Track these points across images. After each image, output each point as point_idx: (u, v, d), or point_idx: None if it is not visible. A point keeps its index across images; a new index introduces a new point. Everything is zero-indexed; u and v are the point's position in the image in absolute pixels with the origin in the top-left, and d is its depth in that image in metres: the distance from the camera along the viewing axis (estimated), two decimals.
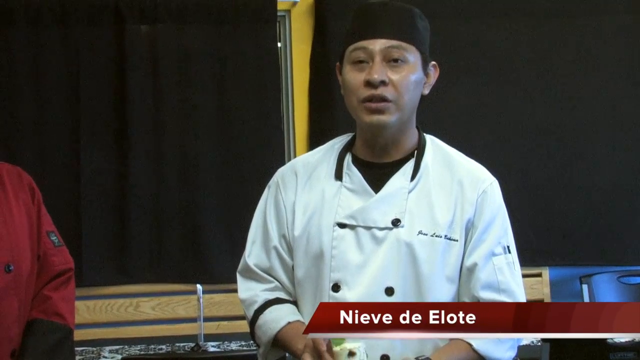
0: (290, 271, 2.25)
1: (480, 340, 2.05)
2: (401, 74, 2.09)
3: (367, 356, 1.93)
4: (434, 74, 2.20)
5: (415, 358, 1.95)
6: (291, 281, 2.25)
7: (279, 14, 4.94)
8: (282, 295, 2.25)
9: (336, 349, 1.92)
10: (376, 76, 2.07)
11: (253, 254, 2.29)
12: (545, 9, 5.00)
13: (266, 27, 4.91)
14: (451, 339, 2.08)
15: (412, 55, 2.11)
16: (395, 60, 2.10)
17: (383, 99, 2.09)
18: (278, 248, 2.25)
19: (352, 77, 2.13)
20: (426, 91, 2.18)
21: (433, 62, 2.20)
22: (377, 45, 2.09)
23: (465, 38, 4.93)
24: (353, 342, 1.91)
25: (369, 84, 2.09)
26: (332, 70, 4.94)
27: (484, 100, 4.93)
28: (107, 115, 4.79)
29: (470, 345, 2.05)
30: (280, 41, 5.01)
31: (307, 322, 2.16)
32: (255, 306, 2.25)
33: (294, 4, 4.96)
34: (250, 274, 2.29)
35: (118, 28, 4.79)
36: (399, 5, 2.15)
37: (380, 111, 2.11)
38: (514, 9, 5.00)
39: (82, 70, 4.77)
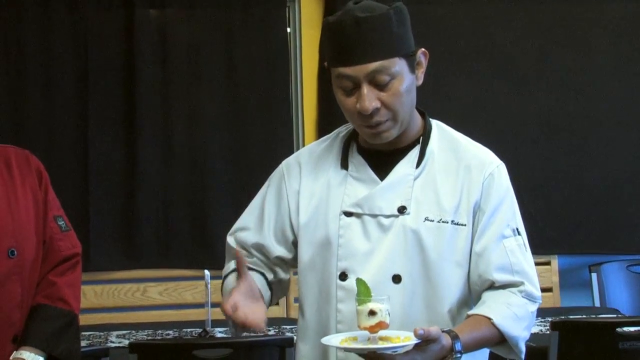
0: (271, 262, 2.26)
1: (500, 316, 2.04)
2: (391, 91, 2.05)
3: (389, 316, 1.92)
4: (424, 61, 2.14)
5: (441, 329, 1.93)
6: (275, 266, 2.26)
7: None
8: (257, 267, 2.26)
9: (359, 307, 1.92)
10: (367, 106, 2.03)
11: (235, 237, 2.31)
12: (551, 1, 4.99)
13: (276, 12, 4.90)
14: (469, 314, 2.08)
15: (397, 66, 2.05)
16: (383, 81, 2.05)
17: (380, 123, 2.07)
18: (264, 244, 2.25)
19: (344, 101, 2.09)
20: (420, 82, 2.14)
21: (421, 50, 2.13)
22: (360, 72, 2.03)
23: (467, 28, 4.92)
24: (376, 303, 1.91)
25: (361, 113, 2.06)
26: None
27: (490, 91, 4.94)
28: (116, 100, 4.80)
29: (490, 319, 2.04)
30: (289, 26, 4.99)
31: (310, 311, 2.18)
32: (226, 272, 2.27)
33: None
34: (231, 251, 2.30)
35: (127, 12, 4.78)
36: (372, 16, 2.03)
37: (379, 132, 2.09)
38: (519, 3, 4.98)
39: (91, 54, 4.77)
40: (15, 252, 2.32)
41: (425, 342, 1.87)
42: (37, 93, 4.74)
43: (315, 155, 2.27)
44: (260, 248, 2.26)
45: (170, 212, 4.81)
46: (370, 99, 2.03)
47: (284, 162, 2.32)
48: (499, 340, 2.07)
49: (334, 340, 1.96)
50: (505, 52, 4.95)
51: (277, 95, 4.90)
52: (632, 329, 3.33)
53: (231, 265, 2.27)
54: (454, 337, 1.95)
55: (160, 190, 4.80)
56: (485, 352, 2.20)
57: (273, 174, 2.32)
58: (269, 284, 2.25)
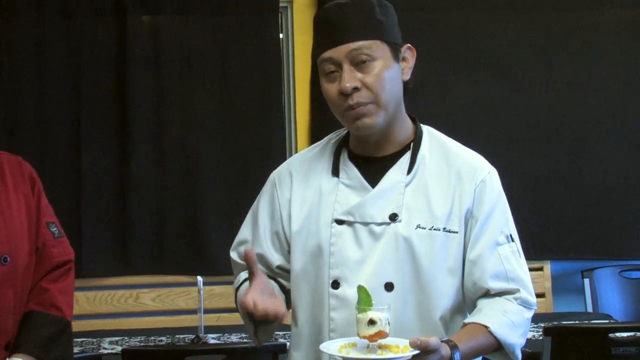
0: (273, 271, 2.25)
1: (496, 324, 2.04)
2: (372, 72, 2.06)
3: (389, 325, 1.91)
4: (411, 56, 2.15)
5: (440, 339, 1.93)
6: (276, 276, 2.26)
7: (281, 4, 4.94)
8: None
9: (359, 315, 1.91)
10: (347, 85, 2.05)
11: (237, 251, 2.32)
12: (546, 2, 4.99)
13: (268, 18, 4.90)
14: (465, 322, 2.08)
15: (379, 50, 2.07)
16: (363, 62, 2.06)
17: (360, 104, 2.07)
18: (264, 254, 2.25)
19: (327, 88, 2.11)
20: (406, 77, 2.14)
21: (407, 45, 2.15)
22: (341, 52, 2.05)
23: (466, 32, 4.92)
24: (377, 312, 1.91)
25: (342, 94, 2.07)
26: None
27: (486, 95, 4.93)
28: (109, 106, 4.79)
29: (487, 327, 2.04)
30: (282, 32, 5.00)
31: (302, 319, 2.18)
32: (236, 285, 2.28)
33: None
34: (237, 268, 2.32)
35: (120, 19, 4.78)
36: (354, 2, 2.09)
37: (361, 116, 2.09)
38: (516, 2, 4.98)
39: (84, 61, 4.76)
40: (8, 259, 2.32)
41: (424, 352, 1.86)
42: (30, 99, 4.73)
43: (306, 163, 2.27)
44: (261, 259, 2.25)
45: (163, 218, 4.80)
46: (350, 78, 2.05)
47: (275, 172, 2.32)
48: (495, 348, 2.07)
49: (332, 347, 1.96)
50: (502, 56, 4.95)
51: (270, 100, 4.90)
52: (624, 334, 3.34)
53: (241, 276, 2.28)
54: (453, 346, 1.94)
55: (153, 196, 4.80)
56: None
57: (265, 184, 2.32)
58: (281, 288, 2.25)
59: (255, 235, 2.27)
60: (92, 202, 4.73)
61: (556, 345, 3.29)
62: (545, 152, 4.95)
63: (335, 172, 2.20)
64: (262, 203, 2.29)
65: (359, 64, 2.06)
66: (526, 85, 4.96)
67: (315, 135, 4.78)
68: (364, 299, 1.94)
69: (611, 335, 3.29)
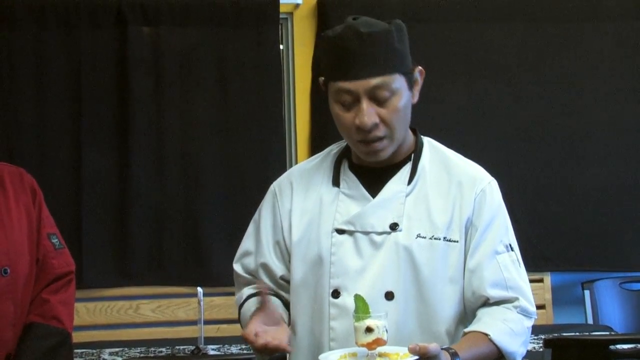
0: (277, 282, 2.26)
1: (497, 332, 2.05)
2: (390, 107, 2.06)
3: (386, 332, 1.92)
4: (420, 79, 2.16)
5: (441, 347, 1.93)
6: (279, 288, 2.27)
7: (281, 16, 4.94)
8: None
9: (356, 324, 1.92)
10: (368, 122, 2.05)
11: (243, 261, 2.32)
12: (543, 11, 4.99)
13: (268, 29, 4.90)
14: (466, 331, 2.08)
15: (397, 82, 2.06)
16: (383, 97, 2.06)
17: (376, 139, 2.08)
18: (267, 263, 2.25)
19: (341, 116, 2.10)
20: (415, 99, 2.15)
21: (419, 69, 2.15)
22: (361, 87, 2.04)
23: (462, 41, 4.92)
24: (374, 320, 1.91)
25: (360, 128, 2.06)
26: None
27: (484, 104, 4.93)
28: (109, 117, 4.79)
29: (487, 335, 2.04)
30: (282, 43, 5.01)
31: (302, 329, 2.17)
32: (240, 302, 2.28)
33: (297, 6, 4.96)
34: (240, 279, 2.33)
35: (120, 30, 4.78)
36: (374, 32, 2.04)
37: (375, 150, 2.10)
38: (512, 11, 4.99)
39: (84, 72, 4.76)
40: (8, 271, 2.32)
41: (423, 358, 1.86)
42: (30, 110, 4.73)
43: (306, 174, 2.27)
44: (265, 269, 2.26)
45: (163, 229, 4.80)
46: (370, 114, 2.04)
47: (275, 183, 2.33)
48: (496, 357, 2.07)
49: (331, 357, 1.96)
50: (500, 65, 4.95)
51: (270, 111, 4.90)
52: (625, 346, 3.33)
53: (244, 292, 2.29)
54: (453, 354, 1.95)
55: (153, 207, 4.79)
56: None
57: (266, 195, 2.33)
58: (284, 304, 2.26)
59: (258, 245, 2.28)
60: (92, 213, 4.73)
61: (556, 357, 3.29)
62: (545, 163, 4.94)
63: (336, 183, 2.21)
64: (264, 213, 2.29)
65: (378, 99, 2.05)
66: (525, 94, 4.95)
67: (315, 147, 4.79)
68: (361, 307, 1.95)
69: (612, 347, 3.28)
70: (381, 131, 2.07)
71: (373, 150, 2.10)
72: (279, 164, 4.78)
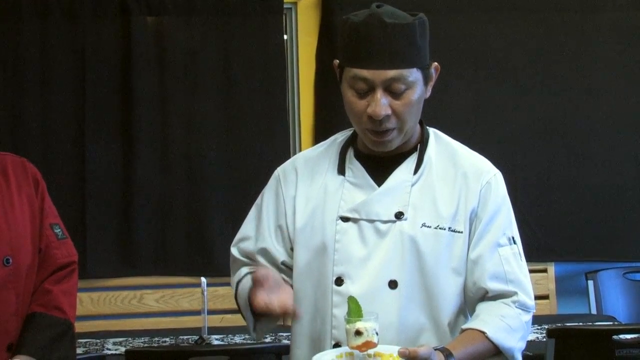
0: (277, 267, 2.24)
1: (493, 329, 2.05)
2: (404, 100, 2.06)
3: (376, 335, 1.92)
4: (435, 75, 2.16)
5: (434, 348, 1.93)
6: (279, 272, 2.23)
7: (285, 6, 4.94)
8: None
9: (347, 326, 1.92)
10: (381, 113, 2.04)
11: (240, 245, 2.30)
12: (545, 5, 4.98)
13: (272, 19, 4.90)
14: (463, 328, 2.08)
15: (413, 76, 2.06)
16: (399, 90, 2.05)
17: (387, 131, 2.08)
18: (268, 248, 2.24)
19: (353, 102, 2.09)
20: (428, 94, 2.15)
21: (434, 65, 2.15)
22: (378, 77, 2.03)
23: (465, 35, 4.92)
24: (364, 323, 1.91)
25: (371, 117, 2.06)
26: None
27: (487, 97, 4.93)
28: (113, 108, 4.79)
29: (484, 333, 2.04)
30: (286, 34, 5.00)
31: (305, 316, 2.17)
32: (237, 279, 2.27)
33: None
34: (237, 264, 2.32)
35: (124, 20, 4.79)
36: (400, 24, 2.04)
37: (383, 141, 2.10)
38: (516, 4, 4.98)
39: (88, 62, 4.77)
40: (11, 260, 2.32)
41: None
42: (35, 101, 4.73)
43: (311, 161, 2.27)
44: (265, 254, 2.25)
45: (166, 219, 4.81)
46: (383, 105, 2.04)
47: (279, 168, 2.32)
48: (494, 353, 2.07)
49: (326, 357, 1.96)
50: (503, 58, 4.95)
51: (274, 102, 4.90)
52: (628, 336, 3.34)
53: (242, 270, 2.27)
54: (448, 354, 1.95)
55: (156, 197, 4.80)
56: None
57: (269, 181, 2.32)
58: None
59: (259, 230, 2.27)
60: (96, 203, 4.74)
61: (560, 347, 3.29)
62: (548, 154, 4.94)
63: (341, 171, 2.21)
64: (267, 198, 2.29)
65: (393, 91, 2.05)
66: (527, 87, 4.96)
67: (319, 137, 4.78)
68: (354, 309, 1.95)
69: (615, 337, 3.29)
70: (392, 123, 2.07)
71: (381, 140, 2.10)
72: (282, 155, 4.76)
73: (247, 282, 2.19)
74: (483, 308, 2.11)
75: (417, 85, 2.07)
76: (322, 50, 4.90)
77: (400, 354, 1.86)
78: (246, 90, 4.86)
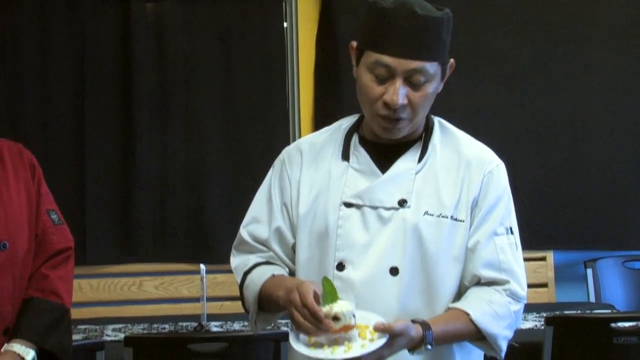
0: (289, 250, 2.24)
1: (478, 312, 2.05)
2: (422, 92, 2.06)
3: (353, 317, 1.91)
4: (449, 71, 2.16)
5: (412, 320, 1.94)
6: (289, 258, 2.25)
7: None
8: (275, 262, 2.25)
9: (325, 308, 1.91)
10: (398, 102, 2.04)
11: (251, 228, 2.28)
12: (545, 4, 4.98)
13: (273, 6, 4.90)
14: (449, 307, 2.09)
15: (434, 69, 2.06)
16: (418, 82, 2.05)
17: (399, 120, 2.08)
18: (281, 227, 2.23)
19: (370, 87, 2.08)
20: (440, 88, 2.15)
21: (452, 61, 2.15)
22: (401, 66, 2.02)
23: (464, 29, 4.89)
24: (340, 306, 1.90)
25: (387, 105, 2.06)
26: (339, 51, 4.91)
27: (486, 88, 4.93)
28: (113, 94, 4.79)
29: (468, 315, 2.05)
30: (286, 21, 4.99)
31: None
32: (245, 269, 2.25)
33: None
34: (245, 247, 2.29)
35: (124, 6, 4.77)
36: (430, 16, 2.03)
37: (394, 128, 2.10)
38: (514, 4, 4.97)
39: (88, 49, 4.76)
40: (7, 245, 2.32)
41: (392, 337, 1.88)
42: (34, 88, 4.72)
43: (316, 147, 2.27)
44: (279, 234, 2.23)
45: (166, 205, 4.81)
46: (402, 94, 2.04)
47: (284, 151, 2.31)
48: (478, 337, 2.08)
49: (302, 338, 1.95)
50: (502, 53, 4.94)
51: (274, 90, 4.90)
52: (626, 324, 3.35)
53: (250, 260, 2.26)
54: (426, 327, 1.96)
55: (156, 183, 4.80)
56: (480, 354, 2.21)
57: (274, 163, 2.32)
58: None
59: (270, 210, 2.25)
60: (95, 190, 4.74)
61: (558, 334, 3.30)
62: (549, 144, 4.95)
63: (346, 157, 2.21)
64: (273, 179, 2.28)
65: (413, 82, 2.05)
66: (527, 79, 4.96)
67: (318, 125, 4.75)
68: (329, 291, 1.94)
69: (613, 325, 3.30)
70: (405, 113, 2.07)
71: (391, 127, 2.10)
72: (282, 143, 4.69)
73: (258, 276, 2.18)
74: (472, 291, 2.12)
75: (435, 79, 2.08)
76: (322, 37, 4.89)
77: (376, 328, 1.87)
78: (246, 78, 4.85)
